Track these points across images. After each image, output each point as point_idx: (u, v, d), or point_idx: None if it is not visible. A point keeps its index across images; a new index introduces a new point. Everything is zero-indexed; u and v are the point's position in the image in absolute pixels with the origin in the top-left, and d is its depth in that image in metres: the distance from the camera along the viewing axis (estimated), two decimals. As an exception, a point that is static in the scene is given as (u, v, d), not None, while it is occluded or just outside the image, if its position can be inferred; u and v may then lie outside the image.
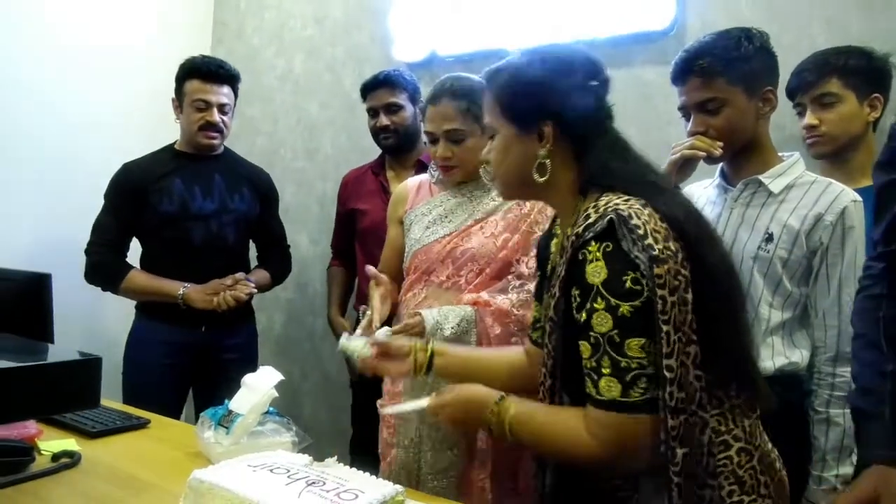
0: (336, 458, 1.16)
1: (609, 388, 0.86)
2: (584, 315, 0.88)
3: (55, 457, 1.27)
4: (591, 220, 0.90)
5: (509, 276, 1.54)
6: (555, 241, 1.14)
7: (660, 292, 0.84)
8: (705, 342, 0.88)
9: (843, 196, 1.33)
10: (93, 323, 2.60)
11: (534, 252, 1.57)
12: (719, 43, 1.36)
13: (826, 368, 1.33)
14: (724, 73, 1.35)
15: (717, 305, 0.90)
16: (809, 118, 1.59)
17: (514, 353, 1.28)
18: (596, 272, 0.87)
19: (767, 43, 1.40)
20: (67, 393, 0.97)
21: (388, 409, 1.33)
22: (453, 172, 1.59)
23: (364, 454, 1.89)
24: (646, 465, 0.90)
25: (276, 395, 1.34)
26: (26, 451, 1.24)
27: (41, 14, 2.54)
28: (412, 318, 1.48)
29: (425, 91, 2.44)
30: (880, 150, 1.62)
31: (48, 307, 1.43)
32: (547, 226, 1.47)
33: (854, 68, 1.55)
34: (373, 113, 2.22)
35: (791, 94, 1.66)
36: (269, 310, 2.92)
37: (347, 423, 2.42)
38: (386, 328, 1.40)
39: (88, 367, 1.00)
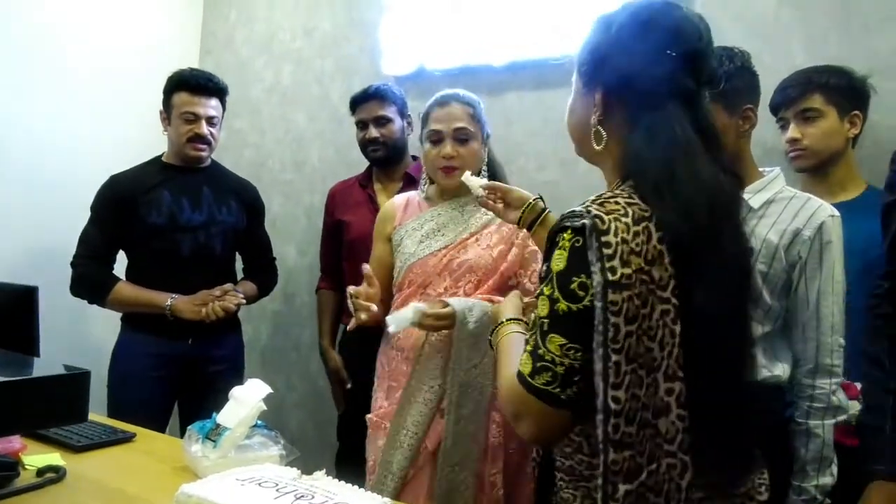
0: (324, 471, 1.16)
1: (525, 362, 0.87)
2: (538, 291, 0.89)
3: (40, 472, 1.26)
4: (576, 209, 0.87)
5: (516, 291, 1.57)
6: None
7: (613, 319, 0.80)
8: (694, 382, 0.83)
9: (820, 211, 1.36)
10: (77, 335, 2.57)
11: (533, 266, 1.60)
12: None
13: (806, 381, 1.35)
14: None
15: (703, 348, 0.84)
16: (793, 132, 1.63)
17: None
18: (558, 260, 0.86)
19: (748, 62, 1.43)
20: (55, 407, 0.97)
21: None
22: (454, 174, 1.59)
23: (351, 466, 1.89)
24: (544, 444, 0.96)
25: (265, 408, 1.34)
26: (11, 465, 1.23)
27: (29, 21, 2.53)
28: (441, 306, 1.51)
29: (413, 105, 2.48)
30: (858, 166, 1.68)
31: (34, 320, 1.42)
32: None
33: (836, 86, 1.60)
34: (362, 125, 2.24)
35: (774, 109, 1.70)
36: (255, 321, 2.91)
37: (334, 435, 2.42)
38: (415, 305, 1.48)
39: (76, 382, 0.99)
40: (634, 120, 0.91)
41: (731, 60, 1.39)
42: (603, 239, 0.82)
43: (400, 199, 1.76)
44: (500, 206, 1.43)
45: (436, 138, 1.62)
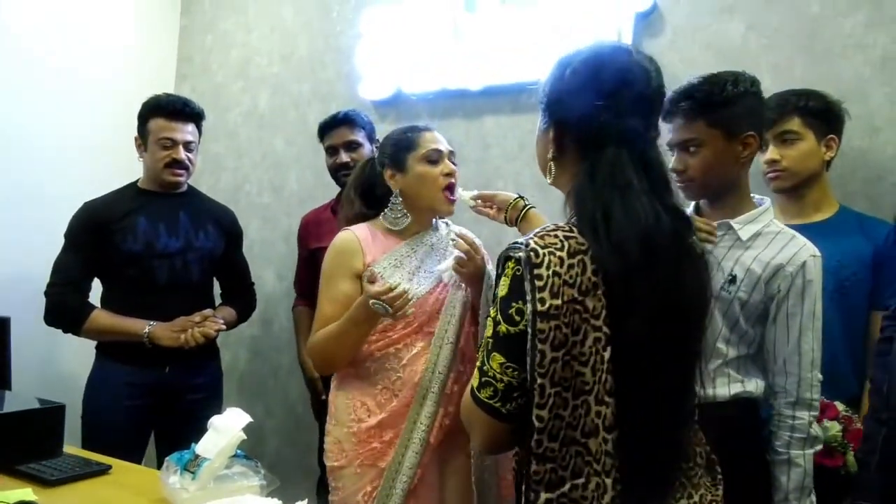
0: (307, 501, 1.15)
1: (475, 377, 0.94)
2: (488, 314, 0.96)
3: (12, 508, 1.23)
4: (519, 240, 0.92)
5: None
6: None
7: (539, 346, 0.86)
8: (624, 409, 0.88)
9: (803, 251, 1.38)
10: (48, 365, 2.52)
11: None
12: (703, 86, 1.40)
13: (786, 411, 1.38)
14: (703, 116, 1.38)
15: (633, 377, 0.88)
16: (772, 153, 1.66)
17: None
18: (502, 286, 0.92)
19: (754, 87, 1.42)
20: (28, 442, 0.95)
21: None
22: (453, 198, 1.60)
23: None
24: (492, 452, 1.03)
25: (244, 437, 1.32)
26: (-18, 503, 1.20)
27: (2, 51, 2.51)
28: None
29: (382, 129, 2.49)
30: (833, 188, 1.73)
31: (6, 352, 1.39)
32: None
33: (813, 109, 1.64)
34: (332, 151, 2.26)
35: None
36: (233, 347, 2.87)
37: (313, 460, 2.38)
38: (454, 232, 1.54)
39: (51, 416, 0.97)
40: (582, 160, 0.97)
41: (735, 85, 1.38)
42: (535, 271, 0.88)
43: (360, 231, 1.60)
44: (492, 211, 1.54)
45: (436, 157, 1.57)
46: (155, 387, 2.05)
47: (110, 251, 2.04)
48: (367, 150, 2.23)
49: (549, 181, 1.03)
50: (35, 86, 2.60)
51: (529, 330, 0.87)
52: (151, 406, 2.05)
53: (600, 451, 0.87)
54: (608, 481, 0.87)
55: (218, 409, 2.12)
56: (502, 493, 1.55)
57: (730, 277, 1.39)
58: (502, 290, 0.92)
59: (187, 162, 2.11)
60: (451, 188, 1.58)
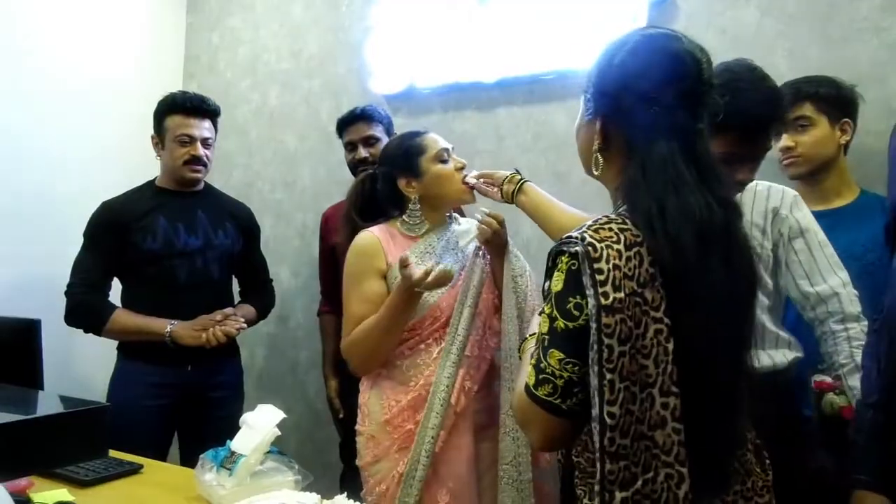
0: (345, 494, 1.16)
1: (530, 374, 0.93)
2: (541, 310, 0.95)
3: (50, 508, 1.24)
4: (573, 234, 0.91)
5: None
6: None
7: (606, 341, 0.85)
8: (688, 399, 0.88)
9: (787, 192, 1.46)
10: (70, 366, 2.53)
11: None
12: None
13: (838, 327, 1.41)
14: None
15: (695, 367, 0.89)
16: (786, 140, 1.67)
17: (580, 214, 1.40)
18: (556, 282, 0.92)
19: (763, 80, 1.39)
20: (75, 444, 0.96)
21: None
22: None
23: (357, 490, 1.88)
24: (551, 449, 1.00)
25: (279, 433, 1.33)
26: (22, 504, 1.21)
27: (11, 52, 2.51)
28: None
29: (404, 123, 2.50)
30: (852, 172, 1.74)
31: (38, 353, 1.40)
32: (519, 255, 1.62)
33: (825, 95, 1.65)
34: (350, 147, 2.25)
35: None
36: (250, 344, 2.88)
37: (334, 456, 2.40)
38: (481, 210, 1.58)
39: (96, 416, 0.98)
40: (631, 152, 0.96)
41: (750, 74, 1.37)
42: (595, 266, 0.87)
43: (379, 233, 1.62)
44: (493, 190, 1.57)
45: (445, 156, 1.61)
46: (178, 386, 2.05)
47: (130, 251, 2.04)
48: None
49: (595, 173, 1.01)
50: (43, 87, 2.59)
51: (594, 325, 0.85)
52: (174, 405, 2.06)
53: (669, 442, 0.86)
54: (683, 471, 0.86)
55: (240, 407, 2.15)
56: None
57: None
58: (557, 286, 0.91)
59: (205, 159, 2.11)
60: (466, 182, 1.61)
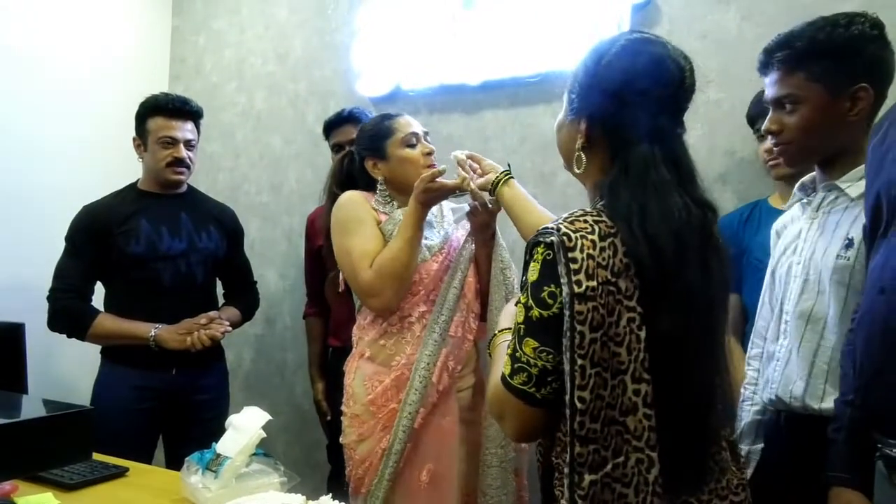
0: (330, 495, 1.16)
1: (506, 364, 0.94)
2: (517, 299, 0.97)
3: (35, 512, 1.24)
4: (549, 225, 0.93)
5: (513, 301, 1.65)
6: None
7: (579, 328, 0.87)
8: (662, 385, 0.90)
9: None
10: (54, 369, 2.51)
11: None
12: (806, 32, 1.22)
13: None
14: (803, 69, 1.22)
15: (668, 360, 0.91)
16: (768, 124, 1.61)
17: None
18: (532, 272, 0.94)
19: (871, 30, 1.21)
20: (60, 447, 0.96)
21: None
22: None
23: (344, 491, 1.88)
24: (525, 441, 1.01)
25: (265, 435, 1.33)
26: (6, 508, 1.20)
27: (-6, 55, 2.50)
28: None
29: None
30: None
31: (22, 357, 1.39)
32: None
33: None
34: (337, 149, 2.26)
35: (751, 120, 1.75)
36: (237, 346, 2.88)
37: (321, 457, 2.40)
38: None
39: (80, 420, 0.98)
40: (613, 152, 0.99)
41: (847, 28, 1.19)
42: (570, 255, 0.89)
43: (360, 193, 1.69)
44: (476, 174, 1.56)
45: (414, 140, 1.65)
46: (162, 389, 2.05)
47: (113, 255, 2.03)
48: None
49: (576, 171, 1.03)
50: (27, 89, 2.58)
51: (567, 312, 0.88)
52: (159, 409, 2.06)
53: (640, 427, 0.89)
54: (654, 455, 0.89)
55: (225, 410, 2.15)
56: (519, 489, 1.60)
57: (846, 241, 1.22)
58: (532, 275, 0.93)
59: (188, 160, 2.11)
60: (432, 167, 1.62)
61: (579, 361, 0.87)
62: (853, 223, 1.22)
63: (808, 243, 1.30)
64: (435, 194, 1.55)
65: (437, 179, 1.53)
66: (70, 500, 1.32)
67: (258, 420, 1.34)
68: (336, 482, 2.21)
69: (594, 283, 0.88)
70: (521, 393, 0.92)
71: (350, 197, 1.67)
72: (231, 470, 1.28)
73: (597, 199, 1.01)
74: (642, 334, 0.89)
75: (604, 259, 0.90)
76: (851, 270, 1.21)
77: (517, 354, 0.93)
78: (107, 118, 2.72)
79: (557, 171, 2.19)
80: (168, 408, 2.07)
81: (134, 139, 2.13)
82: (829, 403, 1.21)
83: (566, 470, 0.89)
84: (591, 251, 0.89)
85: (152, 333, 1.99)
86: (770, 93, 1.29)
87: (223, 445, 1.31)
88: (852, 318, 1.20)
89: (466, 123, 2.42)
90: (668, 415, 0.91)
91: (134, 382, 2.03)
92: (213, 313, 2.07)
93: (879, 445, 1.03)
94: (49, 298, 2.02)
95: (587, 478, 0.88)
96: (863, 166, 1.22)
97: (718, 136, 2.03)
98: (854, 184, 1.25)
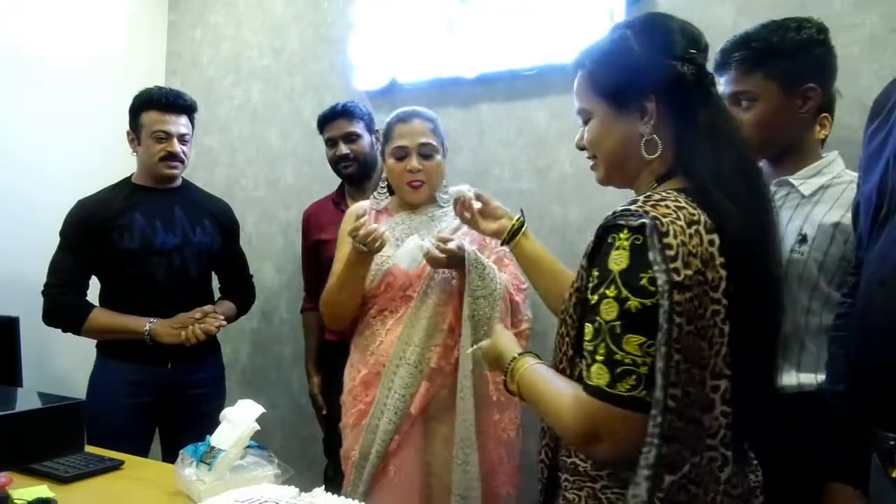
0: (323, 487, 1.17)
1: (599, 375, 0.84)
2: (595, 297, 0.87)
3: (30, 505, 1.24)
4: (630, 208, 0.87)
5: (501, 327, 1.62)
6: None
7: (677, 319, 0.81)
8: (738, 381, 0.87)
9: None
10: (49, 364, 2.51)
11: (506, 262, 1.66)
12: (762, 34, 1.30)
13: None
14: (760, 67, 1.29)
15: (747, 349, 0.88)
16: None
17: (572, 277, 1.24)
18: (618, 260, 0.85)
19: (819, 35, 1.31)
20: (53, 439, 0.96)
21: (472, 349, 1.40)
22: (422, 189, 1.68)
23: (340, 484, 1.89)
24: (620, 460, 0.88)
25: (258, 427, 1.34)
26: (1, 501, 1.20)
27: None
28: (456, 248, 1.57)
29: (382, 119, 2.50)
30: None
31: (16, 351, 1.39)
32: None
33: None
34: (331, 143, 2.26)
35: None
36: (234, 341, 2.88)
37: (318, 450, 2.41)
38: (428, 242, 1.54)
39: (72, 412, 0.99)
40: (689, 118, 0.95)
41: (798, 32, 1.28)
42: (664, 240, 0.83)
43: (366, 203, 1.77)
44: (476, 216, 1.46)
45: (401, 154, 1.67)
46: (158, 384, 2.05)
47: (107, 249, 2.03)
48: (367, 141, 2.24)
49: (652, 157, 0.96)
50: (23, 84, 2.57)
51: (665, 302, 0.80)
52: (155, 403, 2.06)
53: (716, 424, 0.85)
54: (728, 454, 0.85)
55: (221, 404, 2.15)
56: (494, 435, 1.61)
57: (800, 237, 1.29)
58: (620, 264, 0.84)
59: (182, 155, 2.10)
60: (413, 184, 1.67)
61: (675, 357, 0.81)
62: (805, 220, 1.30)
63: None
64: (366, 248, 1.53)
65: (379, 233, 1.53)
66: (65, 492, 1.33)
67: (252, 413, 1.35)
68: (332, 476, 2.22)
69: (690, 272, 0.82)
70: (630, 401, 0.83)
71: (350, 211, 1.78)
72: (225, 462, 1.28)
73: (653, 184, 0.97)
74: (726, 328, 0.85)
75: (693, 247, 0.84)
76: (805, 265, 1.28)
77: (616, 357, 0.83)
78: (103, 112, 2.72)
79: (553, 164, 2.19)
80: (164, 402, 2.07)
81: (128, 133, 2.13)
82: (788, 380, 1.29)
83: (646, 472, 0.82)
84: (682, 237, 0.83)
85: (147, 328, 1.99)
86: (726, 90, 1.34)
87: (217, 438, 1.32)
88: (842, 303, 1.20)
89: (462, 117, 2.42)
90: (741, 406, 0.87)
91: (129, 377, 2.03)
92: (207, 307, 2.07)
93: (875, 437, 1.03)
94: (44, 293, 2.02)
95: (667, 479, 0.82)
96: (814, 164, 1.34)
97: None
98: (806, 181, 1.33)
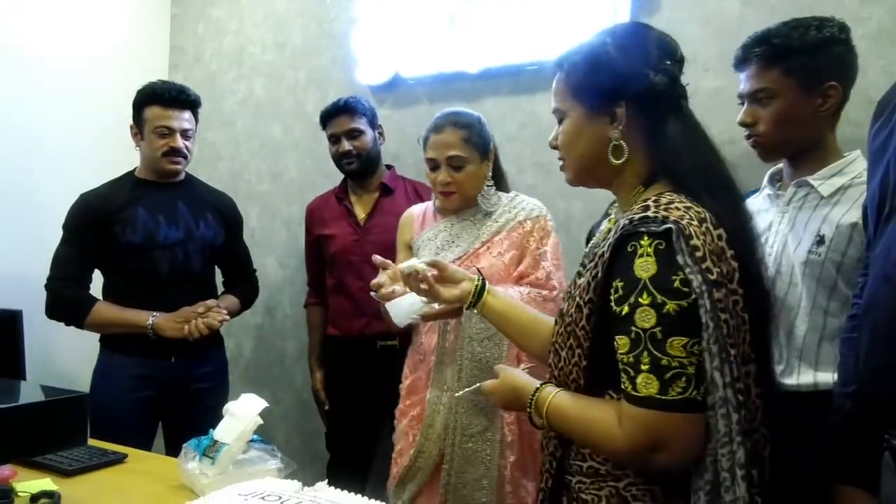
0: (326, 482, 1.16)
1: (647, 384, 0.85)
2: (625, 308, 0.87)
3: (34, 498, 1.24)
4: (648, 215, 0.88)
5: (522, 281, 1.64)
6: (605, 223, 1.13)
7: (723, 316, 0.83)
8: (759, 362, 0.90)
9: None
10: (53, 358, 2.52)
11: (543, 265, 1.65)
12: (782, 31, 1.30)
13: None
14: (779, 64, 1.29)
15: (762, 332, 0.92)
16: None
17: (550, 323, 1.20)
18: (645, 267, 0.86)
19: (840, 34, 1.30)
20: (55, 432, 0.96)
21: (459, 393, 1.47)
22: (453, 198, 1.69)
23: (343, 477, 1.89)
24: (681, 464, 0.88)
25: (261, 422, 1.34)
26: (4, 494, 1.21)
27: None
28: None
29: (389, 114, 2.50)
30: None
31: (20, 344, 1.40)
32: (542, 239, 1.62)
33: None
34: (334, 139, 2.26)
35: None
36: (238, 335, 2.88)
37: (321, 445, 2.41)
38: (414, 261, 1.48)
39: (75, 405, 0.99)
40: (660, 125, 0.97)
41: (819, 30, 1.28)
42: (691, 243, 0.85)
43: (418, 209, 1.84)
44: (433, 286, 1.33)
45: (432, 165, 1.69)
46: (161, 378, 2.05)
47: (110, 243, 2.03)
48: (370, 136, 2.23)
49: (618, 162, 0.99)
50: (26, 78, 2.57)
51: (706, 302, 0.83)
52: (158, 397, 2.06)
53: (755, 406, 0.88)
54: (767, 432, 0.90)
55: (224, 398, 2.15)
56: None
57: (818, 238, 1.28)
58: (648, 270, 0.86)
59: (185, 150, 2.10)
60: (444, 194, 1.69)
61: (732, 352, 0.83)
62: (824, 221, 1.29)
63: (779, 237, 1.35)
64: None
65: None
66: (68, 485, 1.33)
67: (255, 407, 1.35)
68: (335, 471, 2.23)
69: (719, 269, 0.85)
70: (684, 404, 0.84)
71: (402, 218, 1.86)
72: (228, 456, 1.28)
73: (639, 187, 0.99)
74: (746, 316, 0.87)
75: (710, 244, 0.86)
76: (822, 266, 1.27)
77: (663, 363, 0.84)
78: (105, 107, 2.72)
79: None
80: (167, 396, 2.07)
81: (131, 127, 2.12)
82: (804, 379, 1.29)
83: (740, 473, 0.83)
84: (704, 237, 0.86)
85: (150, 321, 1.99)
86: (746, 87, 1.35)
87: (220, 432, 1.32)
88: (853, 304, 1.20)
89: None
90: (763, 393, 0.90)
91: (133, 371, 2.03)
92: (210, 302, 2.07)
93: (886, 437, 1.02)
94: (47, 287, 2.03)
95: (754, 473, 0.84)
96: (834, 164, 1.32)
97: (718, 125, 1.99)
98: (825, 181, 1.31)
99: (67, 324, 2.06)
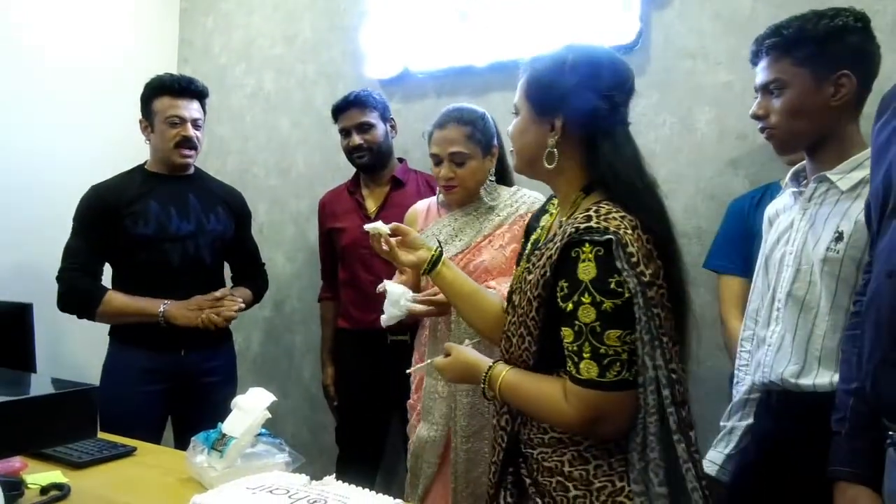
0: (334, 475, 1.17)
1: (588, 369, 1.00)
2: (570, 305, 1.01)
3: (44, 490, 1.25)
4: (590, 225, 1.01)
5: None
6: (546, 218, 1.27)
7: (656, 310, 0.98)
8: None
9: None
10: (63, 351, 2.54)
11: None
12: (795, 21, 1.28)
13: None
14: (790, 54, 1.26)
15: (679, 320, 1.06)
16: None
17: (500, 302, 1.34)
18: (586, 271, 0.99)
19: (857, 23, 1.26)
20: (65, 424, 0.97)
21: (412, 368, 1.65)
22: (455, 192, 1.72)
23: (352, 471, 1.90)
24: (620, 432, 1.04)
25: (270, 416, 1.34)
26: (15, 485, 1.22)
27: (1, 39, 2.49)
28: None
29: (398, 108, 2.49)
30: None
31: (30, 337, 1.41)
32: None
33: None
34: (345, 133, 2.25)
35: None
36: (246, 329, 2.89)
37: (330, 440, 2.42)
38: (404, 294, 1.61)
39: (85, 397, 0.99)
40: (592, 143, 1.10)
41: (833, 19, 1.25)
42: (627, 250, 0.98)
43: (422, 204, 1.88)
44: (394, 249, 1.42)
45: (435, 161, 1.73)
46: (171, 371, 2.06)
47: (121, 235, 2.03)
48: (381, 130, 2.22)
49: (547, 167, 1.11)
50: (35, 71, 2.58)
51: (640, 300, 0.98)
52: (168, 390, 2.07)
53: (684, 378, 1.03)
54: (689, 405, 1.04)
55: (233, 392, 2.15)
56: None
57: (836, 234, 1.24)
58: (588, 273, 0.99)
59: (196, 140, 2.10)
60: (446, 188, 1.73)
61: (664, 339, 0.99)
62: (843, 216, 1.25)
63: (799, 234, 1.32)
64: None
65: None
66: (78, 477, 1.34)
67: (263, 401, 1.35)
68: (344, 465, 2.23)
69: (650, 271, 0.99)
70: (620, 384, 0.99)
71: (408, 212, 1.91)
72: (236, 450, 1.28)
73: (580, 193, 1.12)
74: (671, 305, 1.03)
75: (642, 249, 1.00)
76: (841, 263, 1.24)
77: (601, 351, 0.99)
78: (115, 101, 2.72)
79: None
80: (176, 390, 2.08)
81: (140, 121, 2.13)
82: (821, 379, 1.26)
83: (676, 437, 0.99)
84: (637, 244, 1.00)
85: (161, 309, 1.99)
86: (759, 79, 1.34)
87: (229, 425, 1.32)
88: (855, 301, 1.19)
89: (475, 105, 2.40)
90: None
91: (143, 364, 2.04)
92: (224, 290, 2.08)
93: (890, 433, 1.01)
94: (58, 278, 2.03)
95: (691, 434, 1.01)
96: (854, 157, 1.27)
97: (729, 120, 1.99)
98: (845, 176, 1.27)
99: (79, 315, 2.07)
